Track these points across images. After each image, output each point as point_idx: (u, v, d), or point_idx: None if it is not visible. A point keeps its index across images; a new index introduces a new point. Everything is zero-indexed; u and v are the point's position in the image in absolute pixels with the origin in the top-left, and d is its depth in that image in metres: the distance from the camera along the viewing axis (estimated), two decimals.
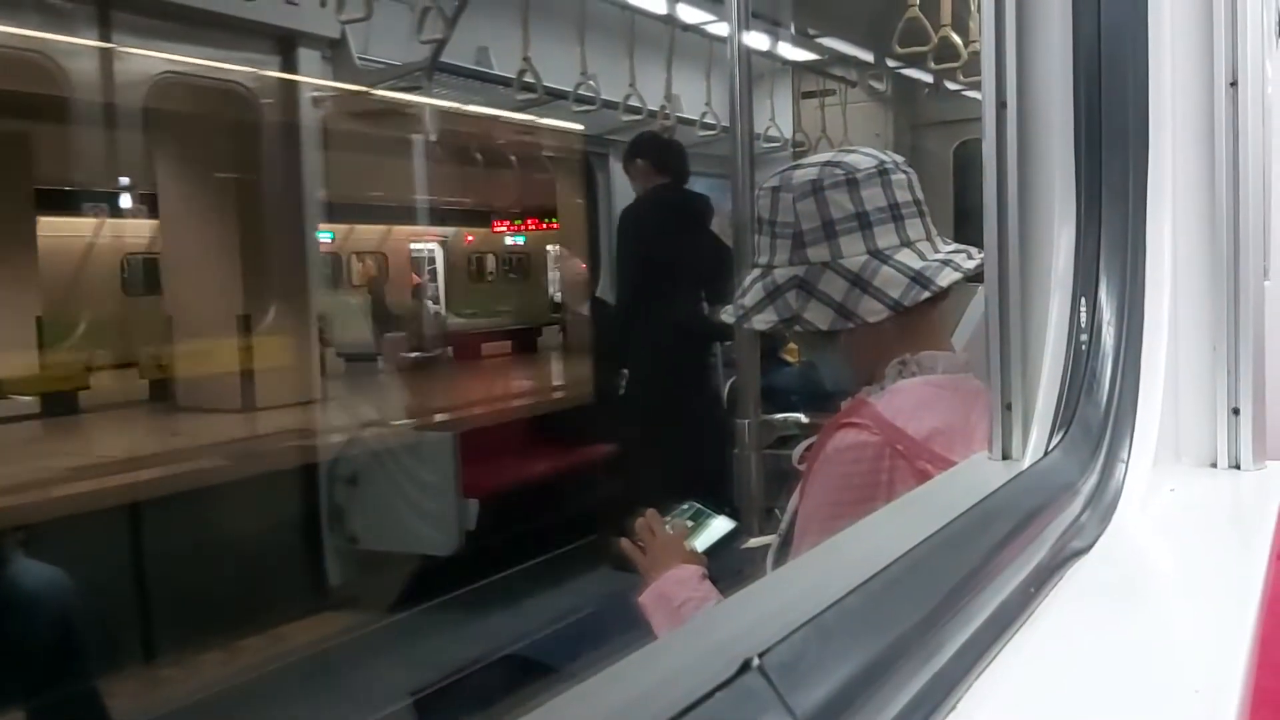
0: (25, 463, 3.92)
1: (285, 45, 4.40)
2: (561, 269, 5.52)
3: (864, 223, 1.41)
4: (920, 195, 1.47)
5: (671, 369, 4.44)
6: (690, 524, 1.76)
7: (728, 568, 1.68)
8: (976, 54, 4.08)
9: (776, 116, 6.75)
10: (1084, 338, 1.07)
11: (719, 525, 1.78)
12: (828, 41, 6.32)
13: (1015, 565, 0.78)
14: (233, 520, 3.84)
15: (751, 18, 2.85)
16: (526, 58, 4.87)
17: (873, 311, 1.39)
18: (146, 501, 3.65)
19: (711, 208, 4.80)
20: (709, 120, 6.09)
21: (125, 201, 7.16)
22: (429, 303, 10.39)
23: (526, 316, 9.01)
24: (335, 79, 4.51)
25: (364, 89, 4.74)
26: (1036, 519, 0.87)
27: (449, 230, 11.64)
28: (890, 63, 6.36)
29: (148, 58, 4.06)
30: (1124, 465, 1.03)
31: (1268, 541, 0.95)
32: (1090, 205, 1.10)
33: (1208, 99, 1.18)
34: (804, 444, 1.51)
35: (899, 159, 1.48)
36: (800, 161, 1.49)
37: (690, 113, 6.14)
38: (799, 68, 6.76)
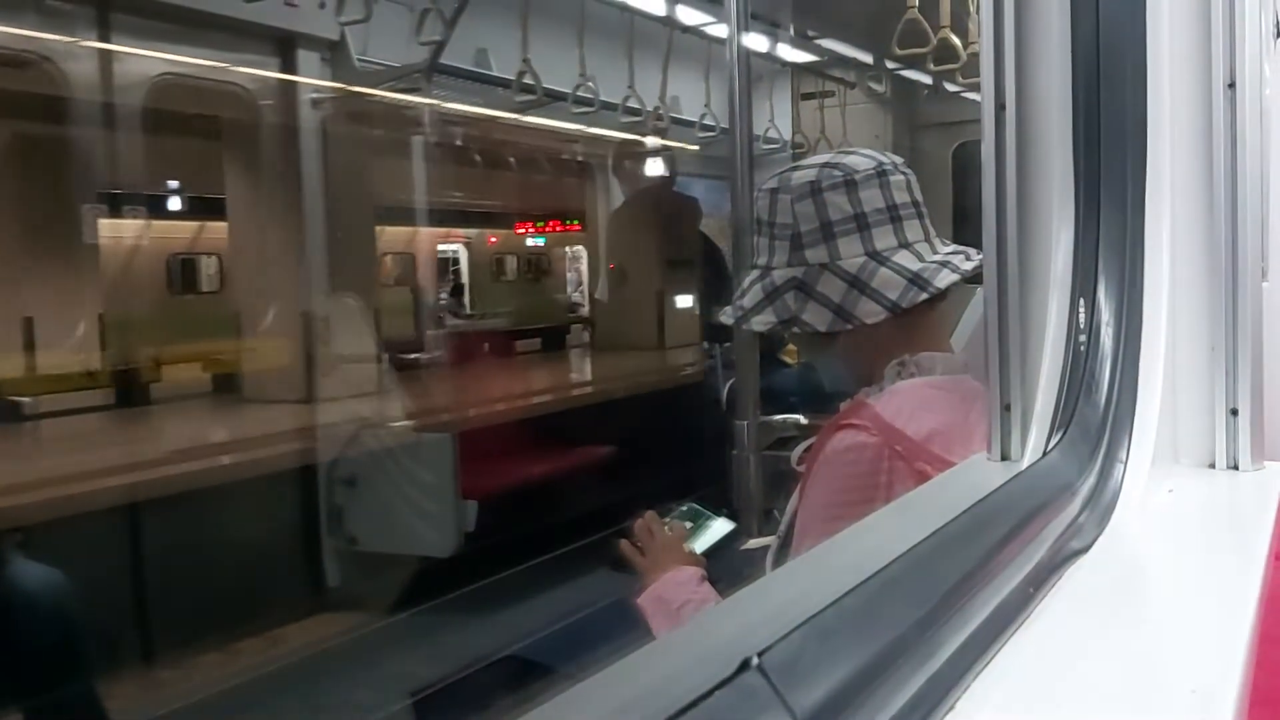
0: (132, 446, 4.31)
1: (285, 46, 4.40)
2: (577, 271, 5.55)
3: (862, 224, 1.41)
4: (919, 197, 1.47)
5: None
6: (689, 525, 1.76)
7: (727, 569, 1.68)
8: (975, 56, 4.09)
9: (775, 118, 6.75)
10: (1082, 338, 1.08)
11: (717, 526, 1.77)
12: (827, 43, 6.32)
13: (1014, 565, 0.78)
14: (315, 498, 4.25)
15: (751, 19, 2.85)
16: (526, 59, 4.87)
17: (871, 313, 1.39)
18: (250, 479, 4.03)
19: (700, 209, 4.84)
20: (708, 122, 6.10)
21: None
22: (462, 301, 10.55)
23: (550, 316, 9.22)
24: (334, 80, 4.51)
25: (408, 100, 4.99)
26: (1035, 519, 0.87)
27: (473, 232, 11.77)
28: (889, 64, 6.37)
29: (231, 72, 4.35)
30: (1122, 466, 1.03)
31: (1266, 542, 0.95)
32: (1089, 206, 1.10)
33: (1206, 100, 1.18)
34: (803, 445, 1.51)
35: (897, 160, 1.49)
36: (798, 163, 1.49)
37: (689, 114, 6.15)
38: (798, 69, 6.77)
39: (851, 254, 1.41)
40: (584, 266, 10.63)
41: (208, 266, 8.37)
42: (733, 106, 2.79)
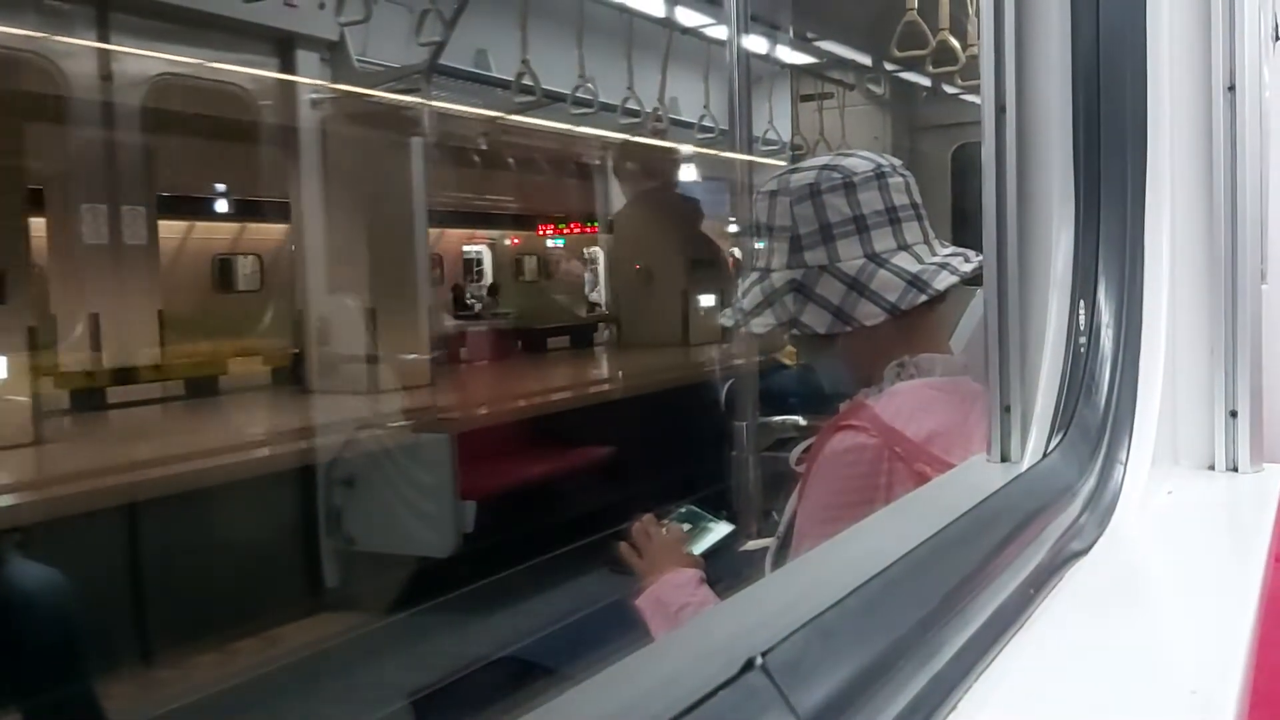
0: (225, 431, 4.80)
1: (284, 47, 4.41)
2: (565, 270, 5.60)
3: (861, 226, 1.41)
4: (918, 199, 1.47)
5: None
6: (687, 527, 1.76)
7: (726, 570, 1.67)
8: (974, 58, 4.10)
9: (774, 120, 6.76)
10: (1082, 340, 1.08)
11: (716, 528, 1.77)
12: (826, 45, 6.33)
13: (1014, 567, 0.79)
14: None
15: (750, 21, 2.85)
16: (525, 60, 4.87)
17: (870, 315, 1.39)
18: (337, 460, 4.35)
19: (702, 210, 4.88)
20: (707, 123, 6.11)
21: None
22: (497, 300, 10.73)
23: (574, 314, 9.53)
24: (333, 80, 4.51)
25: (454, 108, 5.34)
26: (1035, 521, 0.87)
27: (495, 233, 11.91)
28: (888, 66, 6.38)
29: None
30: (1122, 467, 1.04)
31: (1265, 543, 0.95)
32: (1089, 208, 1.10)
33: (1205, 103, 1.18)
34: (802, 445, 1.51)
35: (896, 162, 1.49)
36: (798, 165, 1.49)
37: (688, 115, 6.15)
38: (797, 71, 6.77)
39: (850, 256, 1.41)
40: (601, 267, 10.88)
41: (251, 265, 8.91)
42: (732, 108, 2.79)
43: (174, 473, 3.67)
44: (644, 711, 0.46)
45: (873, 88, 6.63)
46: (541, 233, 12.30)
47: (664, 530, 1.70)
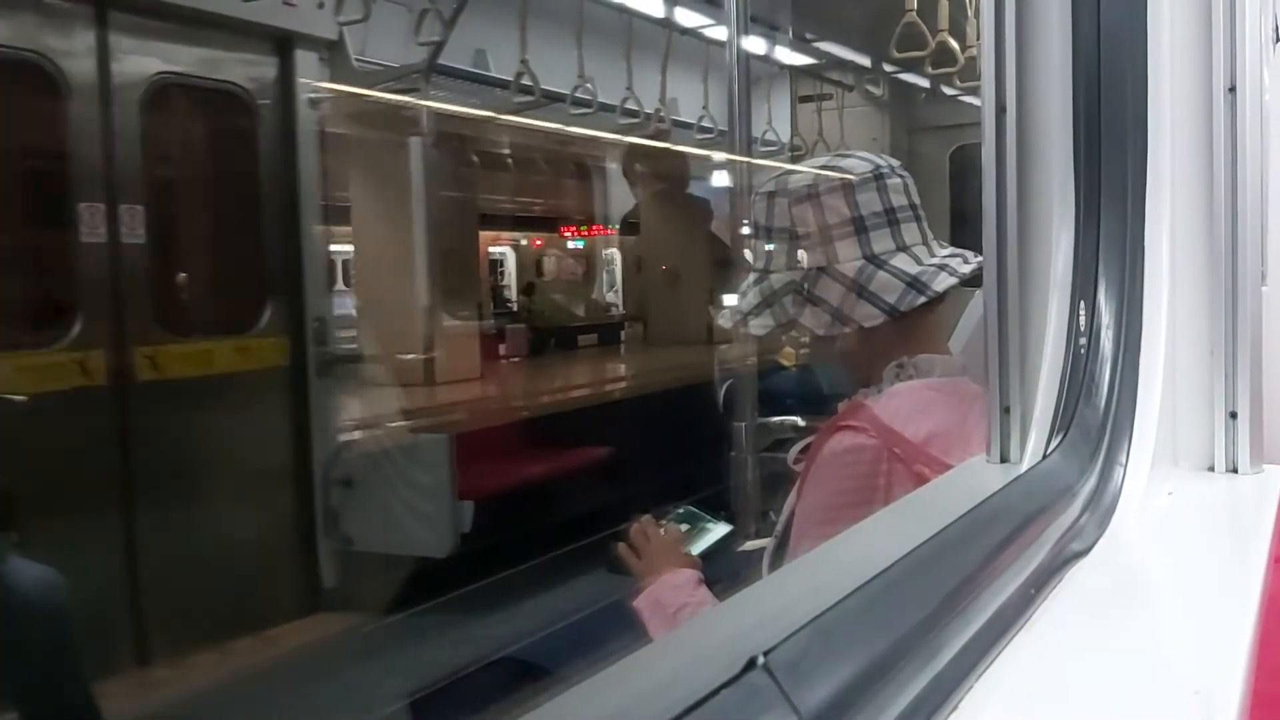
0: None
1: (283, 46, 4.41)
2: (563, 269, 5.67)
3: (860, 227, 1.41)
4: (916, 200, 1.47)
5: None
6: (685, 528, 1.76)
7: (724, 571, 1.67)
8: (973, 59, 4.10)
9: (774, 121, 6.76)
10: (1082, 341, 1.08)
11: (714, 529, 1.77)
12: (825, 46, 6.33)
13: (1015, 567, 0.79)
14: None
15: (750, 22, 2.85)
16: (524, 60, 4.87)
17: (869, 316, 1.39)
18: None
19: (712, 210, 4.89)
20: (706, 124, 6.11)
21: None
22: (533, 299, 10.98)
23: (597, 313, 9.95)
24: (332, 80, 4.51)
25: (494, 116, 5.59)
26: (1035, 522, 0.87)
27: (519, 234, 12.08)
28: (887, 67, 6.38)
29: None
30: (1122, 468, 1.04)
31: (1265, 544, 0.95)
32: (1089, 209, 1.10)
33: (1206, 104, 1.18)
34: (800, 444, 1.51)
35: (895, 163, 1.49)
36: (796, 167, 1.49)
37: (687, 116, 6.15)
38: (796, 72, 6.78)
39: (849, 257, 1.41)
40: (618, 268, 11.24)
41: None
42: (732, 108, 2.79)
43: None
44: (647, 710, 0.46)
45: (871, 89, 6.63)
46: (564, 234, 12.45)
47: (662, 531, 1.70)
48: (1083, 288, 1.09)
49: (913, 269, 1.41)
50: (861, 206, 1.42)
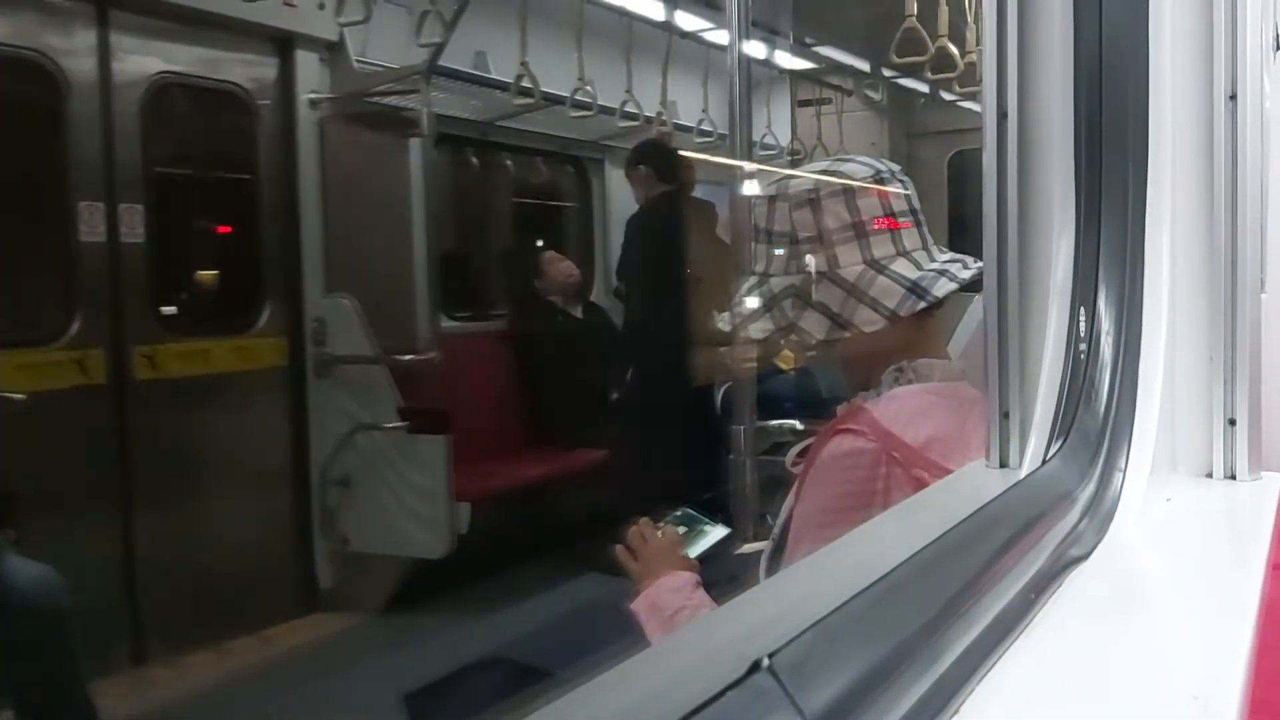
0: None
1: (283, 46, 4.41)
2: (549, 271, 5.52)
3: (860, 232, 1.42)
4: (917, 205, 1.47)
5: None
6: (682, 530, 1.75)
7: (722, 574, 1.67)
8: (972, 65, 4.10)
9: (773, 124, 6.76)
10: (1082, 347, 1.08)
11: (711, 532, 1.77)
12: (825, 50, 6.34)
13: (1015, 572, 0.79)
14: None
15: (751, 26, 2.85)
16: (524, 62, 4.87)
17: (868, 321, 1.39)
18: None
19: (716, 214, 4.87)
20: (705, 127, 6.11)
21: None
22: None
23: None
24: (332, 80, 4.51)
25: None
26: (1035, 527, 0.88)
27: None
28: (886, 72, 6.39)
29: None
30: (1121, 474, 1.04)
31: (1264, 551, 0.95)
32: (1089, 215, 1.10)
33: (1207, 111, 1.18)
34: (799, 446, 1.51)
35: (895, 168, 1.49)
36: (796, 171, 1.49)
37: (686, 119, 6.15)
38: (796, 76, 6.78)
39: (849, 262, 1.41)
40: None
41: None
42: (732, 112, 2.79)
43: None
44: (652, 711, 0.46)
45: (871, 93, 6.64)
46: None
47: (659, 533, 1.70)
48: (1083, 294, 1.09)
49: (913, 274, 1.41)
50: (862, 211, 1.42)
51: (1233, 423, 1.18)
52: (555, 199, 6.60)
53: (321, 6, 4.33)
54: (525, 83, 4.92)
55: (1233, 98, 1.17)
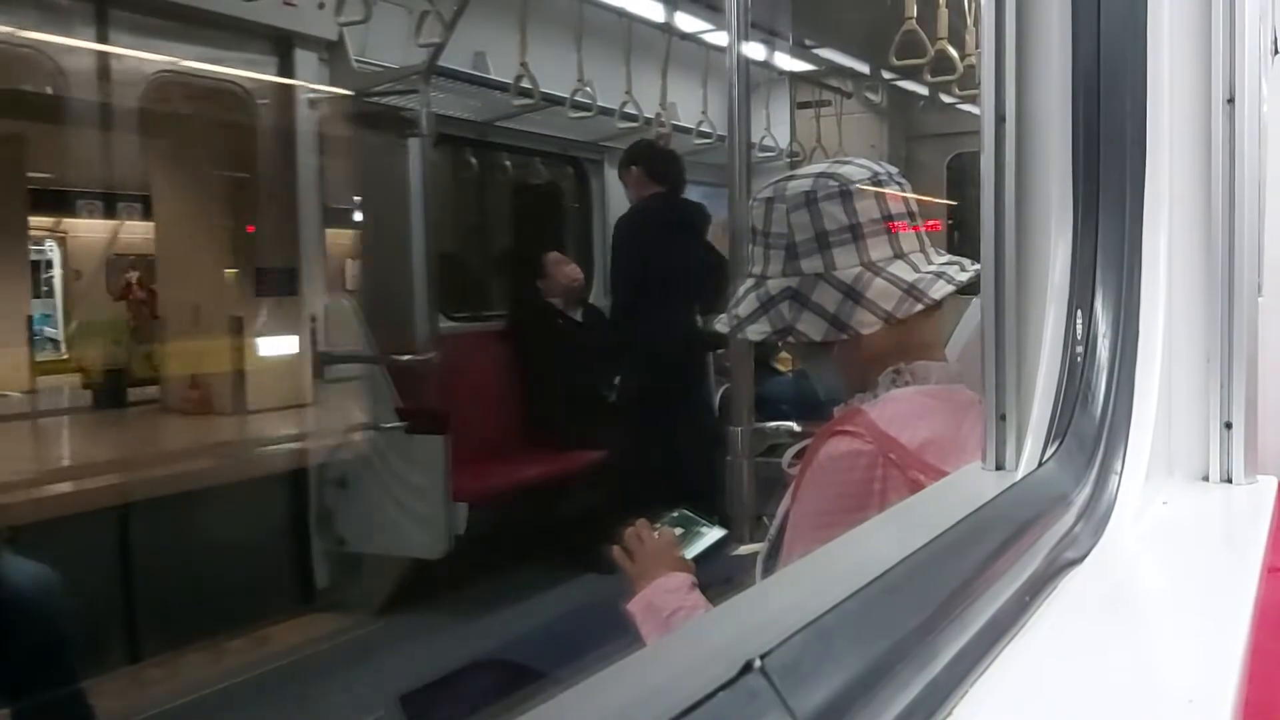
0: None
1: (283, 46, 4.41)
2: (554, 273, 5.48)
3: (857, 234, 1.41)
4: (914, 207, 1.47)
5: None
6: (679, 532, 1.75)
7: (718, 575, 1.67)
8: (971, 67, 4.11)
9: (772, 126, 6.77)
10: (1079, 350, 1.08)
11: (708, 533, 1.77)
12: (825, 52, 6.34)
13: (1010, 575, 0.79)
14: None
15: (750, 28, 2.84)
16: (524, 63, 4.88)
17: (866, 323, 1.39)
18: None
19: (708, 217, 4.84)
20: (705, 129, 6.11)
21: None
22: None
23: None
24: (331, 81, 4.51)
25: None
26: (1030, 529, 0.87)
27: None
28: (886, 75, 6.39)
29: None
30: (1117, 477, 1.04)
31: (1259, 554, 0.95)
32: (1087, 218, 1.10)
33: (1205, 115, 1.18)
34: (795, 447, 1.51)
35: (893, 170, 1.49)
36: (794, 172, 1.49)
37: (685, 120, 6.16)
38: (795, 78, 6.79)
39: (847, 264, 1.41)
40: None
41: None
42: (732, 114, 2.77)
43: None
44: (644, 712, 0.46)
45: (870, 96, 6.65)
46: None
47: (656, 534, 1.70)
48: (1080, 296, 1.09)
49: (910, 276, 1.41)
50: (860, 213, 1.42)
51: (1229, 426, 1.18)
52: (555, 199, 6.56)
53: (321, 6, 4.33)
54: (525, 83, 4.93)
55: (1230, 101, 1.17)
